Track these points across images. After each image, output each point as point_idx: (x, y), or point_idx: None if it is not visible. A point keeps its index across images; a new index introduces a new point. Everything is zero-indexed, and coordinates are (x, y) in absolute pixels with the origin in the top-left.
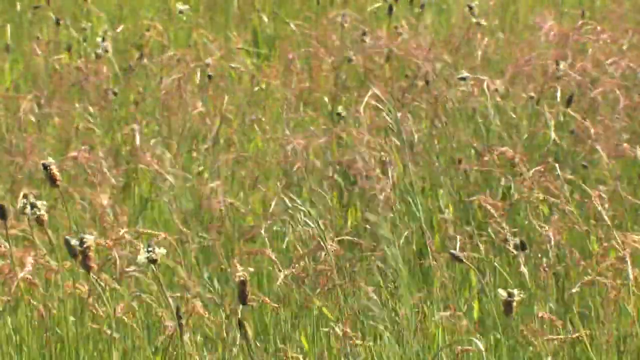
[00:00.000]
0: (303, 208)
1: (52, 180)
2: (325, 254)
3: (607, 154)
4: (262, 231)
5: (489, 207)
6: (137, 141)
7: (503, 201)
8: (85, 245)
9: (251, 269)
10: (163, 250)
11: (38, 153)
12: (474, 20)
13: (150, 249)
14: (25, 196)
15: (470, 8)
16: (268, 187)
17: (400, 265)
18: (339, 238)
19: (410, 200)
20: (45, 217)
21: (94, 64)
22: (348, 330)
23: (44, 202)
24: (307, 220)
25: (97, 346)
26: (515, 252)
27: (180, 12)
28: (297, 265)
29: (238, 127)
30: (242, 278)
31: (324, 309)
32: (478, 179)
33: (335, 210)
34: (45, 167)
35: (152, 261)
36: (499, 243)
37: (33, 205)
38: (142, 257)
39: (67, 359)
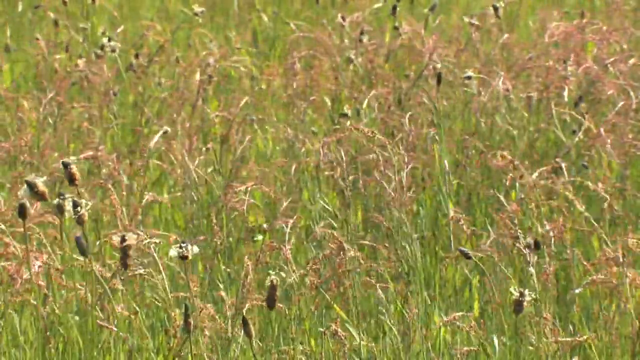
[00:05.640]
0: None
1: (71, 179)
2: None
3: (613, 154)
4: (288, 228)
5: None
6: (153, 141)
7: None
8: (125, 244)
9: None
10: (196, 249)
11: (46, 152)
12: (466, 20)
13: (184, 244)
14: (61, 194)
15: (496, 9)
16: (270, 187)
17: (418, 263)
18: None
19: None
20: (86, 217)
21: (94, 64)
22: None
23: (88, 202)
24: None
25: (99, 346)
26: (527, 251)
27: (196, 14)
28: (313, 266)
29: (239, 127)
30: (273, 282)
31: (338, 310)
32: (479, 179)
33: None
34: (66, 165)
35: (183, 257)
36: (509, 243)
37: (76, 204)
38: (173, 253)
39: (69, 359)
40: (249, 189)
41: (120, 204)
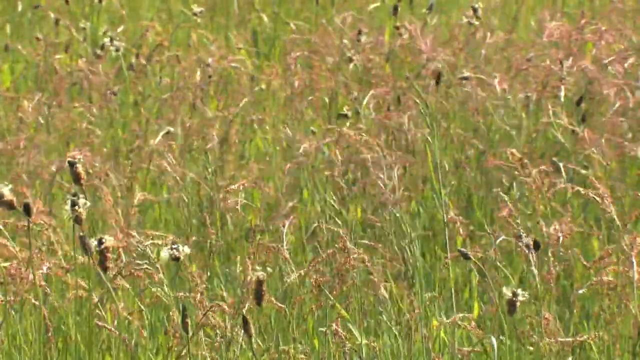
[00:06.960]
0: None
1: (76, 178)
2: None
3: (607, 154)
4: (284, 227)
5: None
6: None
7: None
8: (103, 246)
9: (267, 269)
10: (187, 250)
11: (39, 152)
12: (465, 20)
13: (175, 246)
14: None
15: (475, 10)
16: (270, 187)
17: (418, 263)
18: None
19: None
20: (83, 216)
21: (94, 64)
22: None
23: (86, 202)
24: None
25: (99, 345)
26: (527, 251)
27: (195, 14)
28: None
29: (239, 128)
30: (259, 277)
31: (342, 311)
32: (479, 179)
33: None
34: (72, 164)
35: (175, 259)
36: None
37: (74, 203)
38: (165, 254)
39: (69, 359)
40: (242, 187)
41: (113, 204)
